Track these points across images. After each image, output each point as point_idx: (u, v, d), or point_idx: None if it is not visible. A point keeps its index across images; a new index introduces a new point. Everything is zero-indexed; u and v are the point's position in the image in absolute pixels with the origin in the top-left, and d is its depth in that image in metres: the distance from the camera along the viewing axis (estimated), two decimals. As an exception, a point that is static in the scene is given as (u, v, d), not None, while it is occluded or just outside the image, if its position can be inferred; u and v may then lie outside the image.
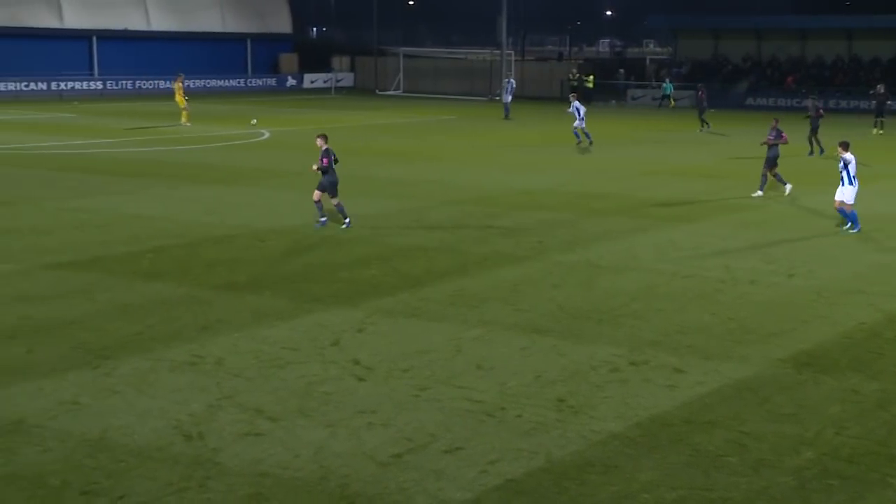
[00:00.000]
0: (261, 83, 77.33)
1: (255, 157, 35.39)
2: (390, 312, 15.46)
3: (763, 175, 27.14)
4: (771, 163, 27.06)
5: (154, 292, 16.41)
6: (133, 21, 72.65)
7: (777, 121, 27.80)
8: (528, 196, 27.23)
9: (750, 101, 63.87)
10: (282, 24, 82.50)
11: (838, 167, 21.72)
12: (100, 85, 68.96)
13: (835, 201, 21.94)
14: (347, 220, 21.84)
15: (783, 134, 27.14)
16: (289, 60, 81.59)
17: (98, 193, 26.39)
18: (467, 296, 16.52)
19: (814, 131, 37.32)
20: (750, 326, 14.92)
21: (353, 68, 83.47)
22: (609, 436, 10.73)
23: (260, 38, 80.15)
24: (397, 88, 75.71)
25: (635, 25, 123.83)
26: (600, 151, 38.81)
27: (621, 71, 65.04)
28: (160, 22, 74.07)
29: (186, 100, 46.07)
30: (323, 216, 21.94)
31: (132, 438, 10.42)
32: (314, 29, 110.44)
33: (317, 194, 21.77)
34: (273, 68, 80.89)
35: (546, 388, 12.19)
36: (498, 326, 14.80)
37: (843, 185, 21.53)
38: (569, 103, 40.98)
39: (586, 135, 40.03)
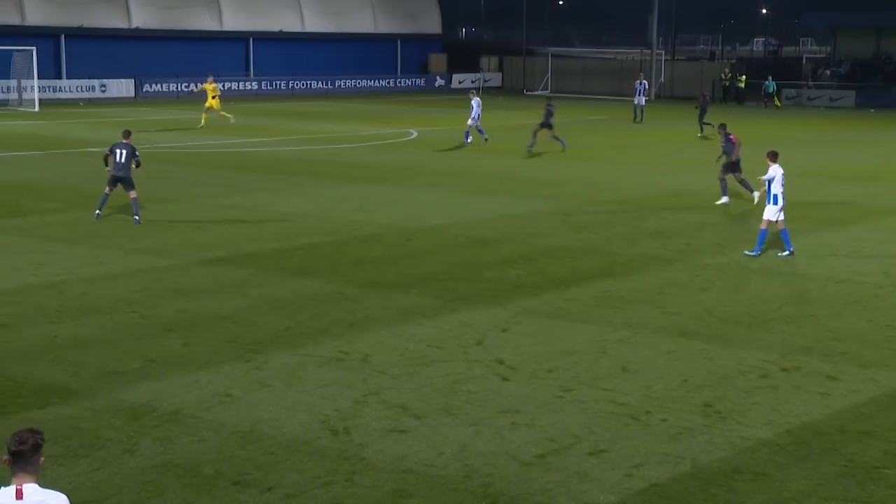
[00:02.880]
0: (410, 83, 78.17)
1: (404, 156, 35.81)
2: (535, 312, 15.43)
3: (722, 181, 25.70)
4: (732, 167, 25.60)
5: (304, 289, 16.77)
6: (288, 23, 74.40)
7: (724, 126, 26.12)
8: (677, 197, 26.81)
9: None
10: (432, 24, 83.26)
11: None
12: (255, 85, 70.83)
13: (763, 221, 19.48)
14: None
15: (731, 137, 25.65)
16: (438, 61, 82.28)
17: (252, 191, 27.11)
18: (613, 297, 16.36)
19: None
20: (909, 334, 14.36)
21: (501, 68, 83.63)
22: (758, 443, 10.48)
23: (410, 39, 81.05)
24: (545, 88, 75.49)
25: (791, 24, 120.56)
26: (751, 153, 37.86)
27: (770, 78, 63.42)
28: (314, 24, 75.64)
29: (214, 98, 45.57)
30: None
31: (281, 431, 10.66)
32: (463, 29, 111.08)
33: None
34: (422, 69, 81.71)
35: (692, 392, 11.98)
36: (644, 329, 14.62)
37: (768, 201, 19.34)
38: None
39: (479, 131, 38.77)
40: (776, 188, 19.16)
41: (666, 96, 69.06)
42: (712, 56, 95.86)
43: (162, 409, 11.25)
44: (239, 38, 71.97)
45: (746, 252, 19.38)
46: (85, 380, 12.18)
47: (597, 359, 13.25)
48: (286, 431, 10.66)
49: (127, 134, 22.72)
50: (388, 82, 77.29)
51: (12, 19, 62.34)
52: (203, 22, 70.65)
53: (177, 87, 66.71)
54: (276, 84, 71.55)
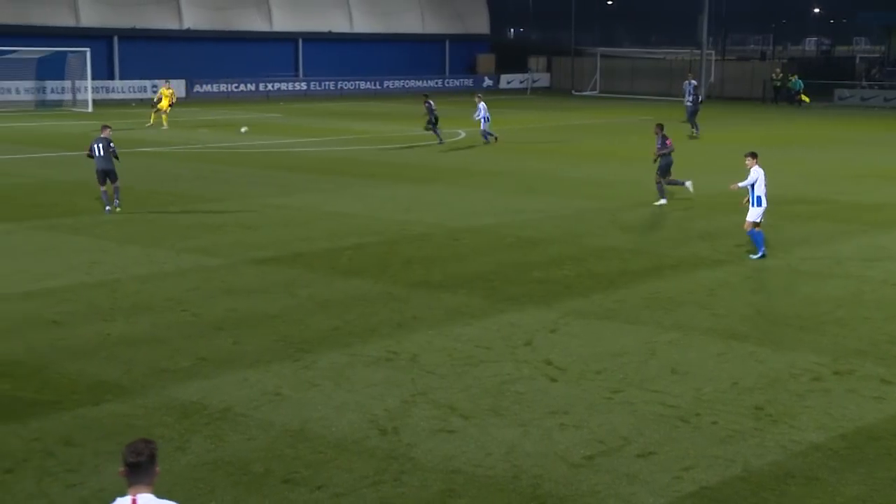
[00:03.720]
0: (458, 83, 78.19)
1: (452, 156, 35.83)
2: (584, 313, 15.38)
3: (658, 183, 25.32)
4: (663, 171, 25.20)
5: (352, 288, 16.83)
6: (337, 23, 74.73)
7: (661, 127, 25.66)
8: (727, 198, 26.56)
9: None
10: (480, 24, 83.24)
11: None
12: (304, 86, 71.20)
13: (746, 223, 19.25)
14: None
15: (668, 140, 25.26)
16: (486, 61, 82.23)
17: (301, 191, 27.27)
18: (662, 299, 16.26)
19: None
20: (965, 338, 14.13)
21: (549, 69, 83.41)
22: (810, 447, 10.36)
23: (458, 39, 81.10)
24: (593, 89, 75.23)
25: (844, 23, 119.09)
26: (802, 153, 37.51)
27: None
28: (362, 24, 75.93)
29: (171, 106, 45.84)
30: None
31: (330, 430, 10.71)
32: (511, 30, 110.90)
33: None
34: (470, 69, 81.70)
35: (743, 395, 11.88)
36: (694, 331, 14.51)
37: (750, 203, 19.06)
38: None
39: (490, 134, 38.64)
40: (759, 190, 18.97)
41: (716, 97, 68.48)
42: (763, 56, 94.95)
43: (212, 406, 11.35)
44: (288, 38, 72.40)
45: (751, 256, 19.11)
46: (137, 377, 12.32)
47: (646, 360, 13.18)
48: (335, 430, 10.71)
49: (104, 128, 24.00)
50: (436, 83, 77.33)
51: (67, 21, 63.19)
52: (253, 23, 71.17)
53: (226, 88, 67.23)
54: (324, 84, 71.90)
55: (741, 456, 10.12)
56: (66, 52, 57.13)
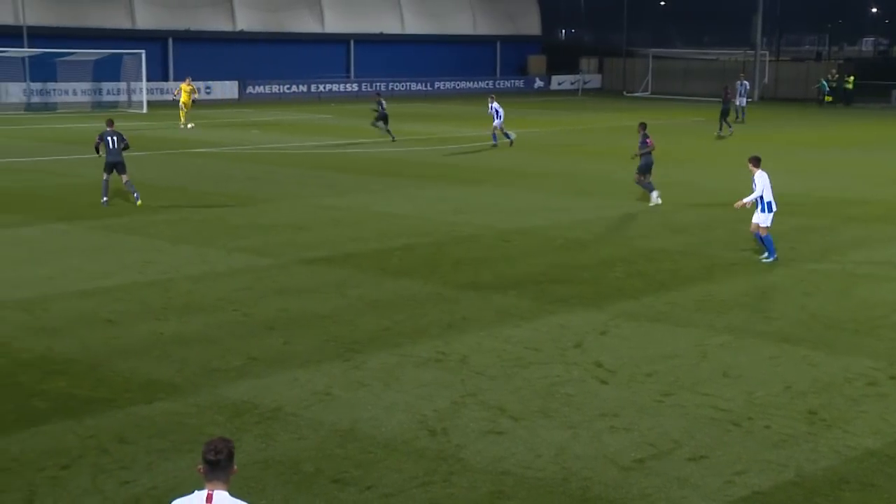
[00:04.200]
0: (509, 85, 78.12)
1: (502, 157, 35.77)
2: (634, 316, 15.29)
3: (641, 182, 25.40)
4: (642, 170, 25.30)
5: (402, 289, 16.87)
6: (388, 25, 74.96)
7: (644, 126, 25.75)
8: (780, 201, 26.24)
9: None
10: (531, 26, 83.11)
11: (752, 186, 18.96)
12: (355, 87, 71.50)
13: (752, 224, 19.05)
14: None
15: (648, 140, 25.13)
16: (537, 62, 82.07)
17: (351, 191, 27.37)
18: (714, 301, 16.12)
19: None
20: None
21: (600, 70, 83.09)
22: (865, 452, 10.22)
23: (509, 40, 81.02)
24: (645, 90, 74.80)
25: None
26: (860, 155, 37.03)
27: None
28: (414, 25, 76.10)
29: (192, 102, 46.65)
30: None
31: (380, 431, 10.74)
32: (563, 30, 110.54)
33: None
34: (521, 70, 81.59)
35: (796, 399, 11.74)
36: (746, 334, 14.37)
37: (757, 207, 18.81)
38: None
39: (505, 135, 38.32)
40: (768, 195, 18.66)
41: (769, 98, 67.81)
42: (818, 56, 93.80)
43: (263, 406, 11.42)
44: (340, 40, 72.75)
45: (763, 259, 18.82)
46: (189, 376, 12.44)
47: (697, 363, 13.07)
48: (385, 431, 10.73)
49: (111, 122, 24.90)
50: (487, 84, 77.32)
51: (123, 23, 63.97)
52: (305, 24, 71.59)
53: (279, 89, 67.68)
54: (375, 85, 72.06)
55: (794, 461, 10.01)
56: (121, 53, 57.85)
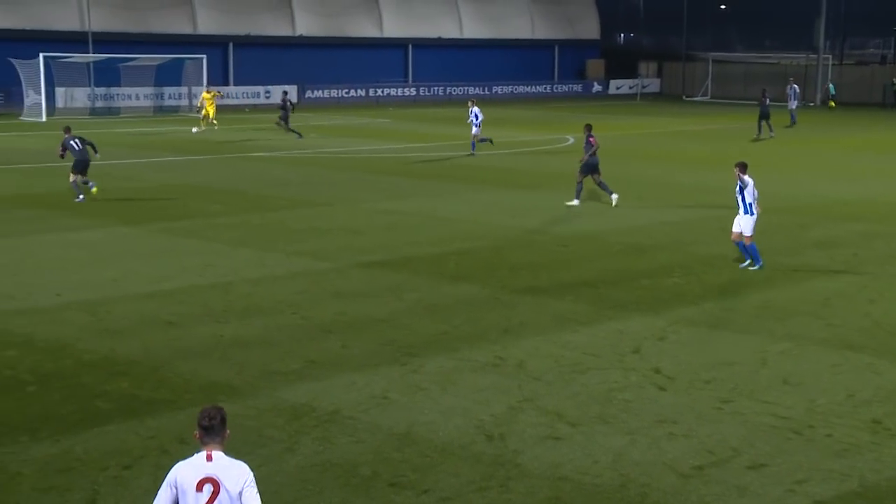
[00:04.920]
0: (566, 89, 77.90)
1: (559, 162, 35.66)
2: (693, 322, 15.16)
3: (578, 184, 25.70)
4: (589, 169, 25.49)
5: (459, 293, 16.88)
6: (447, 29, 75.14)
7: (589, 127, 25.80)
8: (843, 206, 25.96)
9: None
10: (590, 30, 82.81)
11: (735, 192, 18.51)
12: (413, 91, 71.75)
13: (732, 233, 18.67)
14: None
15: (591, 139, 25.35)
16: (595, 66, 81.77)
17: (408, 196, 27.46)
18: (774, 308, 15.94)
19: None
20: None
21: (659, 74, 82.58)
22: (929, 463, 10.04)
23: (568, 45, 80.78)
24: (704, 94, 74.15)
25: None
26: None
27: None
28: (472, 29, 76.18)
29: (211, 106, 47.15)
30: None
31: (437, 435, 10.76)
32: (622, 35, 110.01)
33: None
34: (579, 74, 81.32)
35: (859, 407, 11.57)
36: (807, 341, 14.19)
37: (739, 213, 18.38)
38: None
39: (481, 141, 37.14)
40: (750, 197, 18.25)
41: (838, 102, 66.88)
42: (883, 60, 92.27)
43: (321, 409, 11.49)
44: (398, 44, 73.04)
45: (749, 267, 18.37)
46: (249, 378, 12.55)
47: (757, 370, 12.93)
48: (442, 435, 10.75)
49: (68, 129, 26.46)
50: (545, 88, 77.18)
51: (185, 28, 64.78)
52: (364, 29, 71.98)
53: (337, 94, 68.09)
54: (433, 89, 72.31)
55: (857, 470, 9.86)
56: (183, 58, 58.57)
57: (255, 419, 11.19)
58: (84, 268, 18.60)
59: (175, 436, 10.64)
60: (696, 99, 73.73)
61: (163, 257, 19.55)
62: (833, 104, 64.05)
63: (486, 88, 74.01)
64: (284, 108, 41.73)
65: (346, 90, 68.68)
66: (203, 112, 46.72)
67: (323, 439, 10.63)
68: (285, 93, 42.53)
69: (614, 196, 25.56)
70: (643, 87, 78.74)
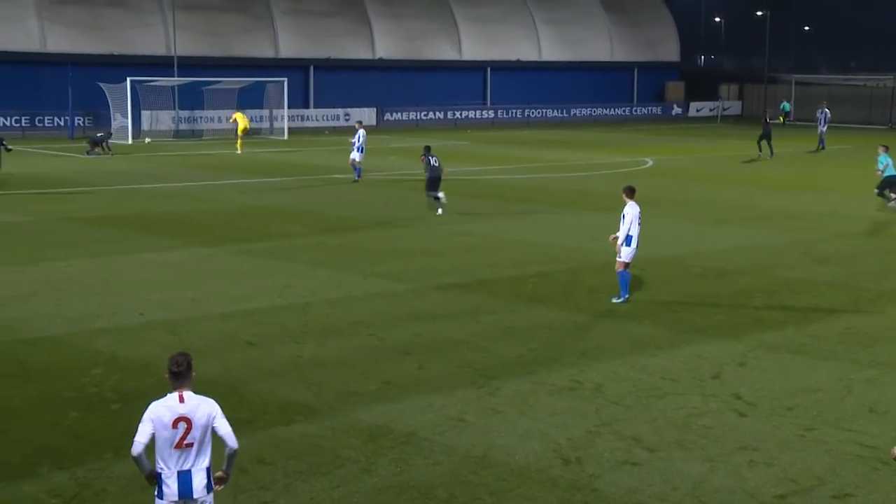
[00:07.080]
0: (646, 111, 77.45)
1: (638, 184, 35.29)
2: (774, 347, 14.92)
3: (430, 196, 28.23)
4: (430, 185, 28.26)
5: (537, 316, 16.82)
6: (525, 52, 75.20)
7: (428, 149, 28.85)
8: (931, 230, 25.36)
9: None
10: (670, 52, 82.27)
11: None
12: (491, 114, 71.88)
13: (618, 263, 17.69)
14: None
15: (422, 158, 28.68)
16: (675, 89, 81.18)
17: (487, 218, 27.47)
18: (859, 334, 15.62)
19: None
20: None
21: (740, 96, 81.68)
22: None
23: (647, 67, 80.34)
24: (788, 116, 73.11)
25: None
26: None
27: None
28: (551, 52, 76.14)
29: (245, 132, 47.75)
30: None
31: (513, 458, 10.71)
32: (702, 57, 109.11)
33: None
34: (658, 97, 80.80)
35: (948, 438, 11.25)
36: (894, 368, 13.87)
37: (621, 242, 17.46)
38: None
39: (356, 168, 35.58)
40: (633, 230, 17.44)
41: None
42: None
43: (398, 430, 11.52)
44: (477, 67, 73.28)
45: (614, 300, 17.65)
46: (326, 399, 12.63)
47: (841, 398, 12.67)
48: (518, 458, 10.70)
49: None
50: (624, 110, 76.80)
51: (267, 52, 65.75)
52: (443, 52, 72.37)
53: (416, 116, 68.50)
54: (511, 112, 72.36)
55: (945, 502, 9.60)
56: (265, 81, 59.43)
57: (332, 440, 11.25)
58: (166, 288, 18.91)
59: (254, 455, 10.73)
60: (776, 122, 72.75)
61: (243, 278, 19.80)
62: (781, 119, 65.22)
63: (565, 111, 73.89)
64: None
65: (425, 112, 69.05)
66: (239, 130, 47.64)
67: (399, 461, 10.65)
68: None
69: (440, 211, 27.64)
70: (724, 109, 77.93)
